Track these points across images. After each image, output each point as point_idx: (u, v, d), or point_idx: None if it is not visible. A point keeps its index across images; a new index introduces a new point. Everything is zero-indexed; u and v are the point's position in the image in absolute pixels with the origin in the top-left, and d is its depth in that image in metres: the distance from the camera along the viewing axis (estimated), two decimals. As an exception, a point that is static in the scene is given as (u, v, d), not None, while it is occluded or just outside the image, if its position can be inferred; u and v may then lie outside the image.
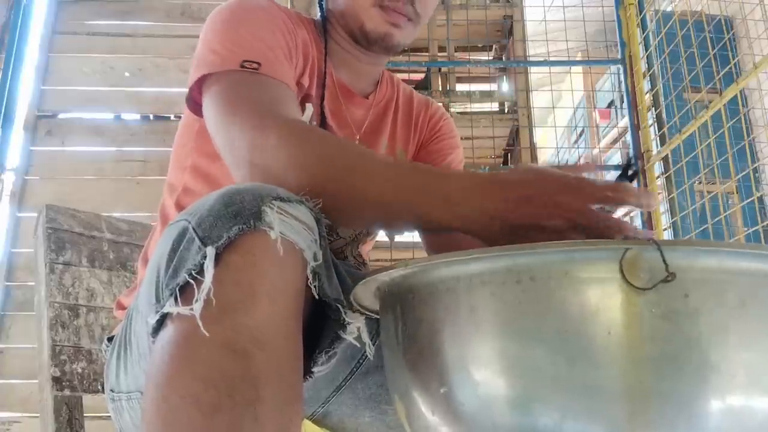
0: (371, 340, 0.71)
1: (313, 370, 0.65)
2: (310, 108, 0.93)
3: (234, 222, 0.56)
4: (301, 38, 0.94)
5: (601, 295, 0.48)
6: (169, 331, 0.56)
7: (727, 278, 0.49)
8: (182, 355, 0.54)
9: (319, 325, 0.65)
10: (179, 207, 0.94)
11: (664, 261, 0.47)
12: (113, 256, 1.17)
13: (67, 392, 1.03)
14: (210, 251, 0.55)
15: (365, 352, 0.85)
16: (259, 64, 0.81)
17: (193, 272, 0.56)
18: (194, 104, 0.88)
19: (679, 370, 0.47)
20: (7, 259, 2.57)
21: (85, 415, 1.04)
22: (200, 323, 0.53)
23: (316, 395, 0.87)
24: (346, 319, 0.63)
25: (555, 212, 0.61)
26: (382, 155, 0.89)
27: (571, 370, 0.48)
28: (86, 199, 2.60)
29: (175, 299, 0.56)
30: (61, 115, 2.82)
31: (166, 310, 0.57)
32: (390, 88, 1.09)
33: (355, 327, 0.63)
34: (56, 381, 1.02)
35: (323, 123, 0.95)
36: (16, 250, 2.60)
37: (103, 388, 1.00)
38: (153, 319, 0.58)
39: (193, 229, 0.57)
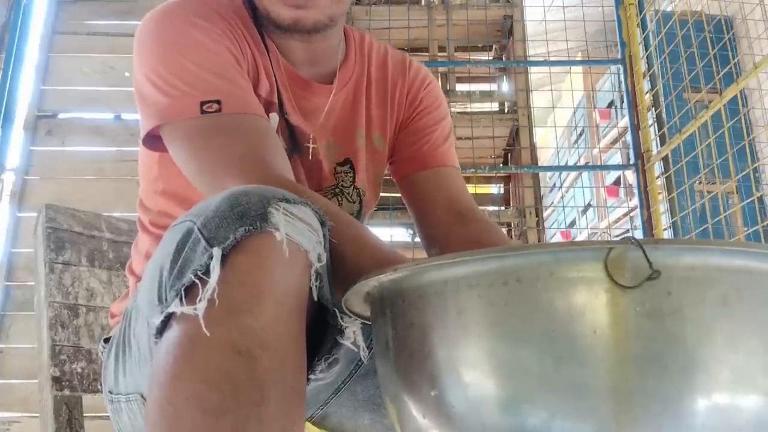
0: (366, 344, 0.70)
1: (310, 377, 0.65)
2: (275, 117, 0.87)
3: (240, 223, 0.55)
4: (244, 37, 0.86)
5: (586, 294, 0.49)
6: (173, 332, 0.56)
7: (709, 276, 0.49)
8: (187, 356, 0.54)
9: (317, 331, 0.65)
10: (156, 227, 0.92)
11: (647, 259, 0.47)
12: (113, 255, 1.17)
13: (66, 392, 1.03)
14: (216, 252, 0.55)
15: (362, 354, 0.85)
16: (219, 102, 0.75)
17: (199, 272, 0.55)
18: (150, 139, 0.81)
19: (663, 367, 0.48)
20: (7, 259, 2.57)
21: (85, 415, 1.04)
22: (203, 323, 0.53)
23: (314, 398, 0.87)
24: (343, 324, 0.62)
25: None
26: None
27: (559, 369, 0.49)
28: (86, 199, 2.60)
29: (180, 300, 0.56)
30: (61, 115, 2.82)
31: (171, 309, 0.56)
32: (359, 59, 0.97)
33: (351, 331, 0.63)
34: (56, 381, 1.02)
35: (290, 128, 0.89)
36: (16, 250, 2.60)
37: (102, 388, 1.00)
38: (157, 320, 0.58)
39: (199, 230, 0.57)
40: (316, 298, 0.61)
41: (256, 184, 0.67)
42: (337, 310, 0.62)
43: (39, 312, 1.06)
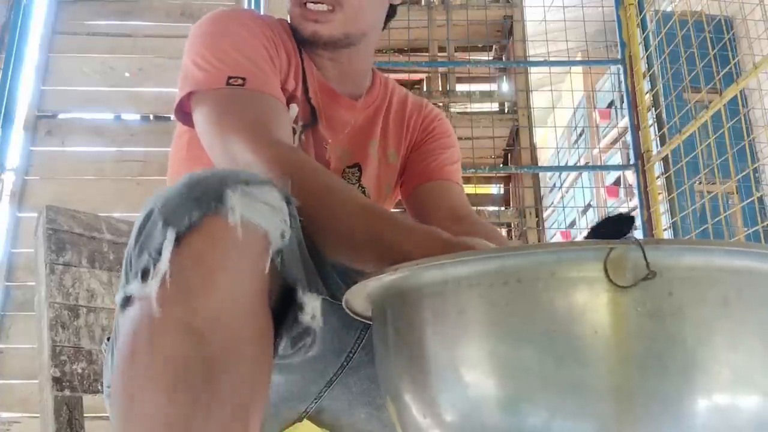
0: (336, 356, 0.73)
1: (276, 355, 0.66)
2: (294, 108, 0.95)
3: (196, 204, 0.57)
4: (283, 45, 0.96)
5: (587, 294, 0.49)
6: (132, 311, 0.59)
7: (710, 276, 0.49)
8: (143, 335, 0.57)
9: (287, 310, 0.67)
10: None
11: (645, 259, 0.47)
12: (113, 256, 1.17)
13: (67, 392, 1.03)
14: (170, 233, 0.57)
15: (354, 345, 0.85)
16: (244, 79, 0.85)
17: (153, 254, 0.58)
18: (183, 114, 0.92)
19: (664, 367, 0.48)
20: (7, 259, 2.57)
21: (85, 415, 1.04)
22: (155, 304, 0.55)
23: (305, 390, 0.87)
24: (303, 300, 0.64)
25: None
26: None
27: (559, 369, 0.49)
28: (86, 199, 2.60)
29: (139, 282, 0.58)
30: (61, 115, 2.82)
31: (128, 292, 0.59)
32: (383, 91, 1.10)
33: (310, 306, 0.65)
34: (56, 381, 1.02)
35: (314, 119, 0.97)
36: (16, 250, 2.59)
37: (103, 388, 1.00)
38: (119, 299, 0.60)
39: (159, 211, 0.59)
40: (279, 273, 0.62)
41: (260, 144, 0.77)
42: (299, 287, 0.64)
43: (39, 312, 1.07)
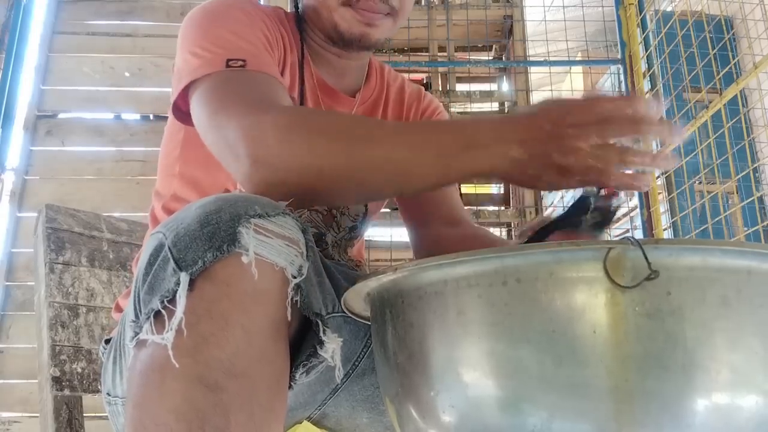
0: (343, 364, 0.70)
1: (291, 383, 0.65)
2: None
3: (209, 245, 0.55)
4: (281, 38, 0.93)
5: (586, 294, 0.49)
6: (145, 356, 0.57)
7: (709, 275, 0.49)
8: (156, 385, 0.55)
9: (306, 333, 0.65)
10: (168, 212, 0.93)
11: (646, 259, 0.47)
12: (113, 256, 1.17)
13: (66, 392, 1.03)
14: (184, 278, 0.55)
15: (361, 353, 0.85)
16: (244, 60, 0.79)
17: (166, 300, 0.55)
18: (179, 112, 0.86)
19: (663, 367, 0.48)
20: (7, 259, 2.57)
21: (85, 415, 1.04)
22: (171, 354, 0.53)
23: (312, 398, 0.87)
24: (324, 338, 0.62)
25: (566, 146, 0.62)
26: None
27: (558, 369, 0.49)
28: (86, 199, 2.60)
29: (151, 324, 0.56)
30: (61, 115, 2.82)
31: (141, 337, 0.57)
32: (379, 82, 1.07)
33: (330, 348, 0.62)
34: (56, 381, 1.02)
35: None
36: (16, 250, 2.59)
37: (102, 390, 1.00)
38: (131, 343, 0.59)
39: (169, 248, 0.57)
40: (288, 316, 0.60)
41: (264, 111, 0.69)
42: (320, 322, 0.62)
43: (39, 312, 1.06)
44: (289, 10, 1.02)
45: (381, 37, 0.94)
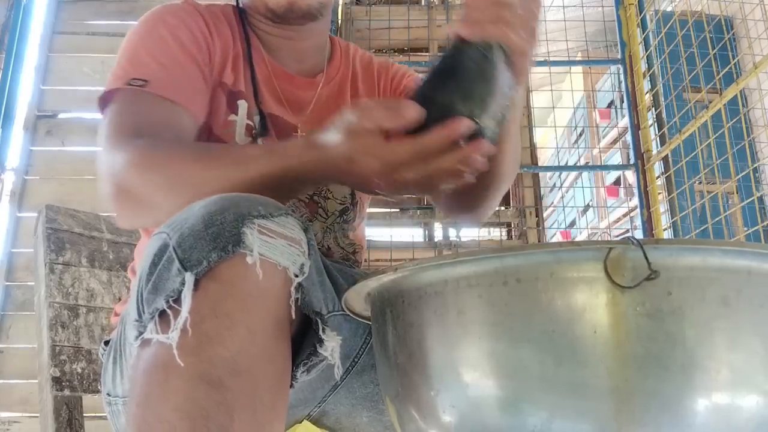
0: (342, 361, 0.70)
1: (292, 382, 0.65)
2: (243, 104, 0.92)
3: (214, 245, 0.56)
4: (222, 37, 0.94)
5: (586, 294, 0.49)
6: (149, 354, 0.57)
7: (709, 276, 0.49)
8: (160, 383, 0.55)
9: (307, 332, 0.65)
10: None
11: (646, 259, 0.47)
12: (113, 256, 1.17)
13: (66, 392, 1.03)
14: (189, 278, 0.55)
15: (360, 350, 0.85)
16: (146, 81, 0.83)
17: (171, 299, 0.56)
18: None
19: (663, 367, 0.48)
20: (7, 259, 2.57)
21: (85, 415, 1.04)
22: (176, 353, 0.54)
23: (312, 395, 0.87)
24: (324, 337, 0.63)
25: (392, 180, 0.66)
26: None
27: (559, 369, 0.49)
28: (86, 199, 2.59)
29: (155, 323, 0.57)
30: (61, 115, 2.82)
31: (146, 336, 0.57)
32: (344, 61, 1.06)
33: (330, 346, 0.63)
34: (56, 381, 1.02)
35: (262, 116, 0.94)
36: (16, 250, 2.59)
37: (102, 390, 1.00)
38: (135, 342, 0.59)
39: (174, 248, 0.57)
40: (293, 314, 0.60)
41: (123, 146, 0.78)
42: (320, 321, 0.62)
43: (39, 312, 1.06)
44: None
45: (313, 2, 0.93)
